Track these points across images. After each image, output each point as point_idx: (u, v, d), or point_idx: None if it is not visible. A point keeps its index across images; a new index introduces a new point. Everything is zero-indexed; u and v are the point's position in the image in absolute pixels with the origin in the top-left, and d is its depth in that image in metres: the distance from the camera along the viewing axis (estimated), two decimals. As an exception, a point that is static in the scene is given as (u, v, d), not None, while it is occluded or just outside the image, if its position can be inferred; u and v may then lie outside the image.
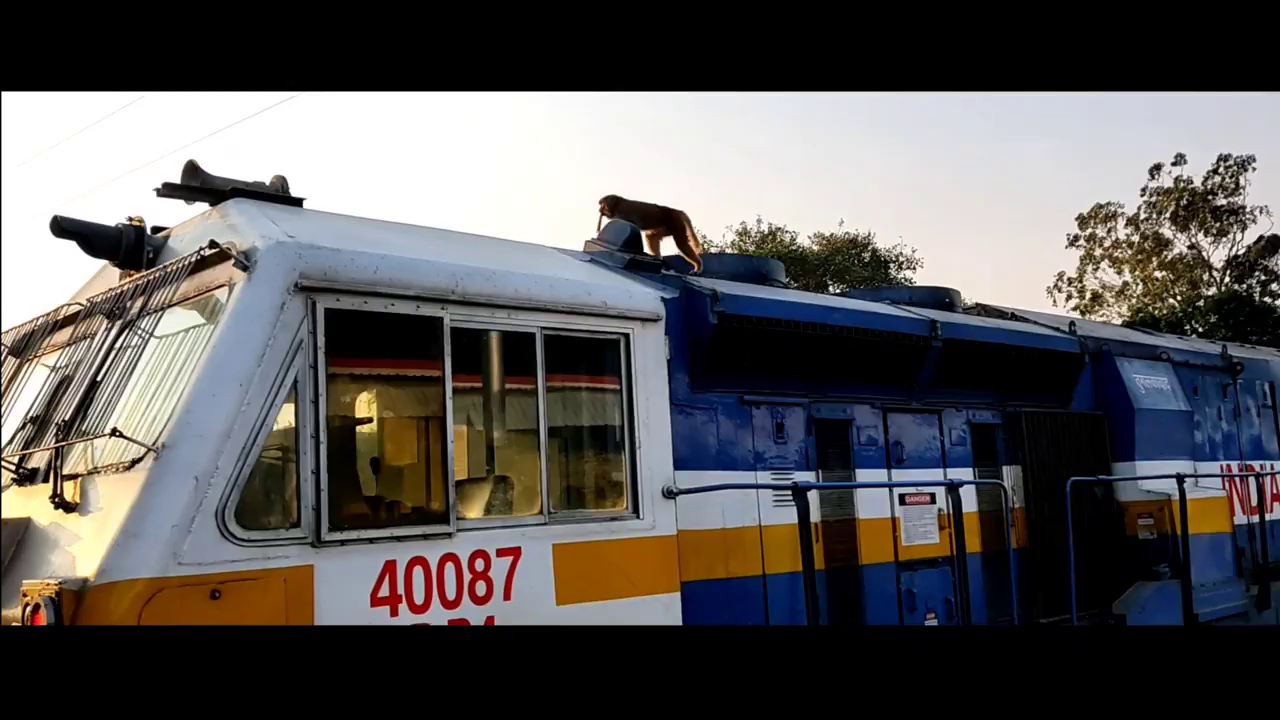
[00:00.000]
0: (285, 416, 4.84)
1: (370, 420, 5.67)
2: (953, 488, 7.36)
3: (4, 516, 4.95)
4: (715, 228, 42.27)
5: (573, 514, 5.79)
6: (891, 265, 34.17)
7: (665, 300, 6.44)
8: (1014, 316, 10.30)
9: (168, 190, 5.76)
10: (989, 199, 58.11)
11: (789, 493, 6.45)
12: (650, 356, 6.22)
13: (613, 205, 7.48)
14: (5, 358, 6.34)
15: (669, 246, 7.88)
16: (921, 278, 34.19)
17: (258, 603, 4.53)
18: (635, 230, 7.20)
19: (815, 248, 33.76)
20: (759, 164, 58.48)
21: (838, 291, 23.98)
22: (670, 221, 7.67)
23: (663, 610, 5.93)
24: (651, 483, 6.08)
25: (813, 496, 7.02)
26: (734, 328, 6.84)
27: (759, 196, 61.97)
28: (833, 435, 7.62)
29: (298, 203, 5.95)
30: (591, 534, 5.75)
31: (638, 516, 5.99)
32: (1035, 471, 8.98)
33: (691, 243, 7.76)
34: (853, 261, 33.14)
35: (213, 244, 4.98)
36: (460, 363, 5.38)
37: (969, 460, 8.58)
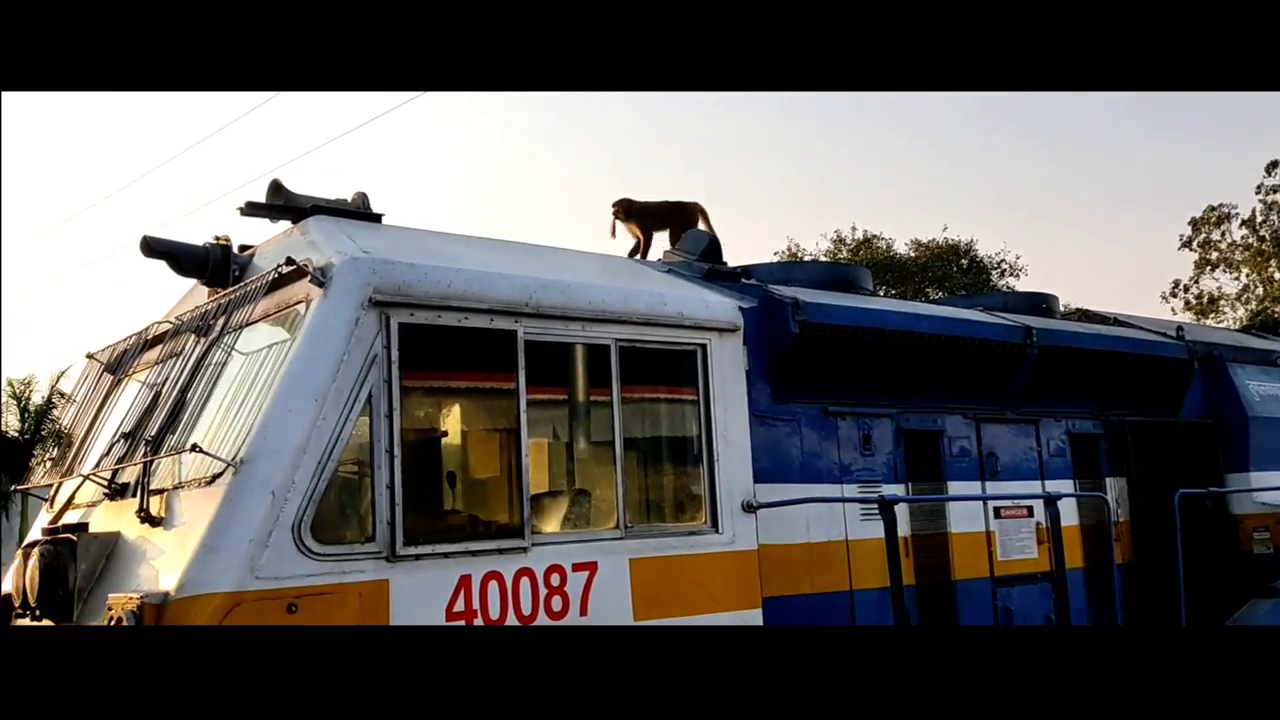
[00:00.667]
0: (360, 431, 4.86)
1: (445, 434, 5.68)
2: (1050, 500, 7.05)
3: (94, 530, 5.09)
4: (809, 236, 41.80)
5: (650, 528, 5.70)
6: (993, 272, 33.30)
7: (744, 309, 6.31)
8: (1117, 321, 9.87)
9: (251, 209, 5.87)
10: (1098, 203, 56.30)
11: (876, 506, 6.27)
12: (728, 367, 6.11)
13: (626, 209, 7.27)
14: (100, 375, 6.54)
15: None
16: (1026, 285, 33.25)
17: (333, 617, 4.54)
18: (714, 239, 7.09)
19: (913, 254, 33.12)
20: (858, 169, 57.75)
21: (935, 299, 23.44)
22: (685, 215, 7.41)
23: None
24: (731, 496, 5.95)
25: (901, 510, 6.80)
26: (817, 337, 6.68)
27: (858, 203, 61.19)
28: (922, 447, 7.39)
29: (377, 218, 6.01)
30: (669, 548, 5.65)
31: (716, 530, 5.87)
32: (1141, 483, 8.57)
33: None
34: (952, 268, 32.40)
35: (289, 261, 5.05)
36: (535, 376, 5.35)
37: (1069, 472, 8.23)
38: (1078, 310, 10.29)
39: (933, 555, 7.19)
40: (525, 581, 5.10)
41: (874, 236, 33.13)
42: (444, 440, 5.66)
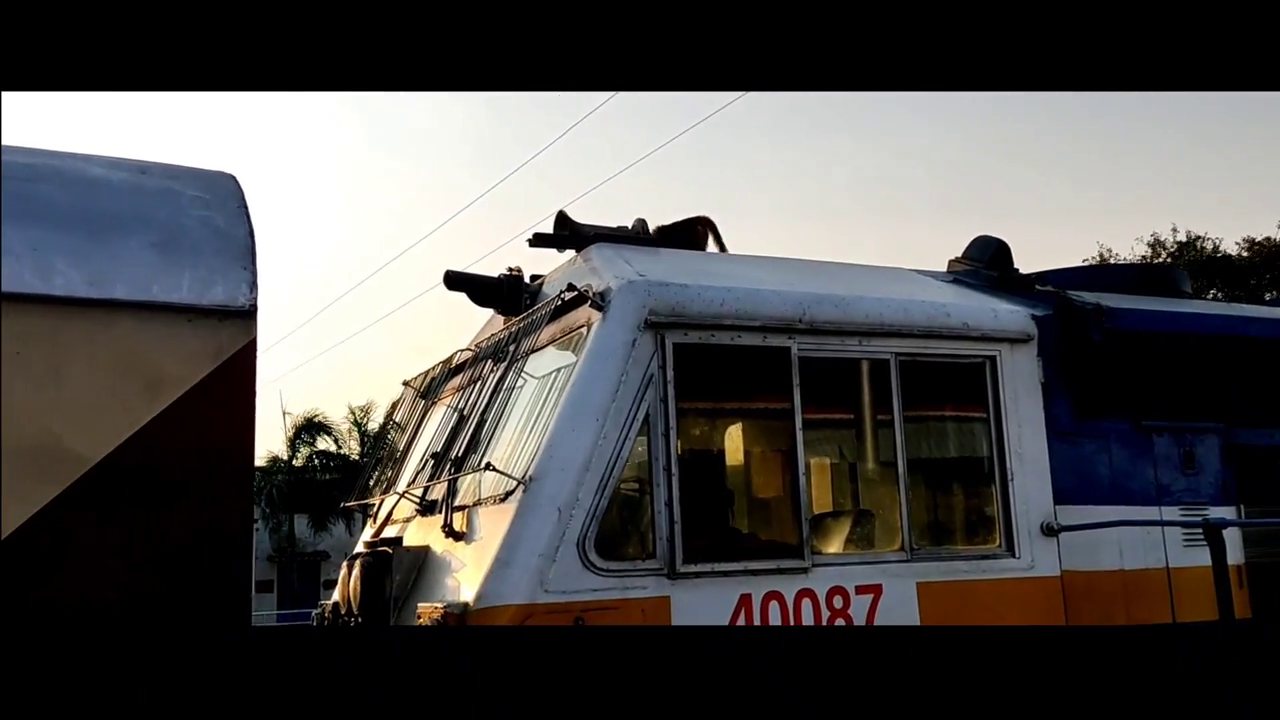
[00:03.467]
0: (639, 449, 4.96)
1: (721, 452, 5.69)
2: None
3: (407, 544, 5.51)
4: (1123, 241, 38.66)
5: (938, 551, 5.43)
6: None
7: (1037, 318, 5.91)
8: None
9: (538, 240, 6.19)
10: None
11: (1201, 531, 5.67)
12: (1021, 380, 5.73)
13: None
14: (415, 400, 7.11)
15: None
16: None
17: (618, 632, 4.64)
18: (1001, 245, 6.70)
19: (1245, 254, 29.90)
20: (1176, 167, 52.97)
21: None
22: (687, 232, 6.78)
23: (1047, 659, 5.38)
24: (1028, 518, 5.57)
25: (1233, 535, 6.10)
26: (1125, 345, 6.15)
27: (1177, 203, 56.11)
28: (1258, 465, 6.59)
29: (655, 243, 6.15)
30: (960, 573, 5.35)
31: (1013, 555, 5.50)
32: None
33: (715, 249, 6.84)
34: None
35: (571, 287, 5.26)
36: (810, 393, 5.26)
37: None
38: None
39: (1274, 586, 6.38)
40: (807, 603, 5.00)
41: (1197, 238, 30.24)
42: (721, 458, 5.68)
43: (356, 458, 34.04)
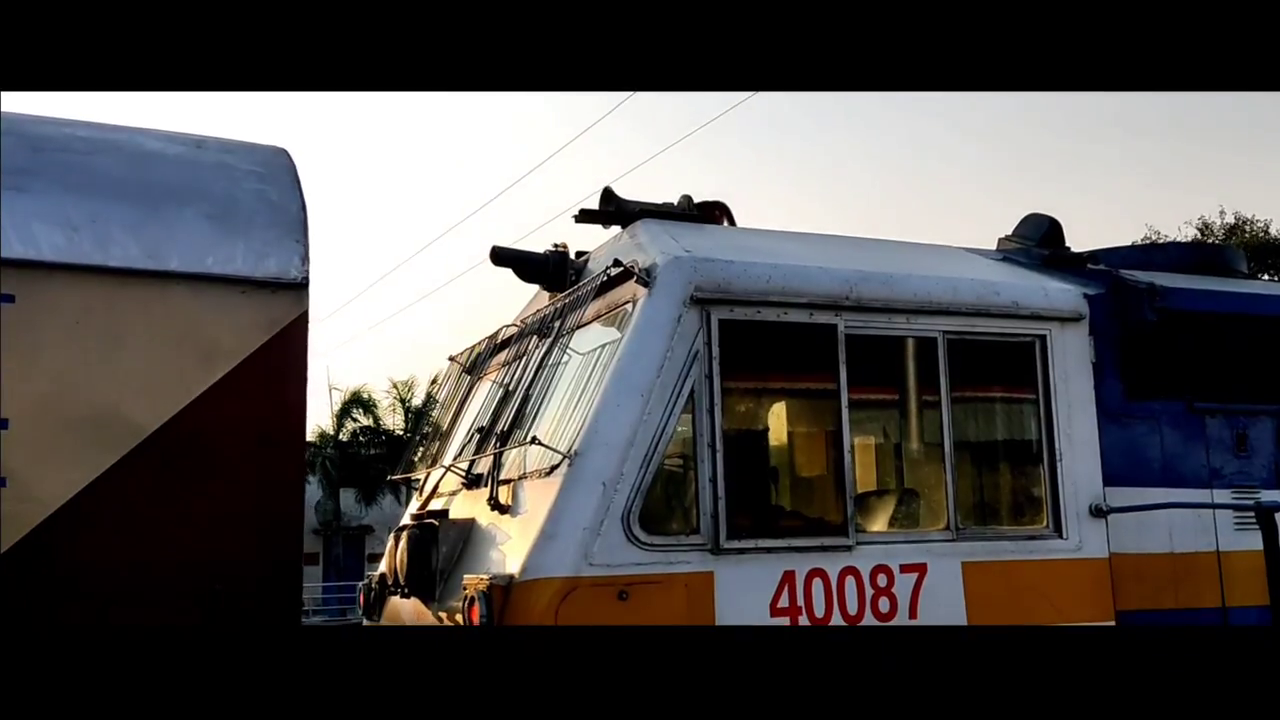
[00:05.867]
0: (684, 426, 4.97)
1: (765, 429, 5.69)
2: None
3: (454, 517, 5.57)
4: (1170, 224, 37.93)
5: (984, 530, 5.40)
6: None
7: (1089, 297, 5.83)
8: None
9: (584, 217, 6.19)
10: None
11: (1253, 514, 5.59)
12: (1071, 359, 5.67)
13: None
14: (460, 375, 7.16)
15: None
16: None
17: (661, 606, 4.67)
18: (1053, 223, 6.62)
19: (1300, 236, 29.21)
20: (1221, 149, 51.84)
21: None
22: (705, 217, 6.63)
23: (1093, 640, 5.34)
24: (1076, 499, 5.52)
25: (1284, 519, 6.01)
26: (1179, 325, 6.06)
27: (1225, 183, 54.97)
28: (1312, 448, 6.47)
29: (700, 219, 6.12)
30: (1006, 553, 5.32)
31: (1060, 536, 5.45)
32: None
33: None
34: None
35: (617, 263, 5.27)
36: (857, 371, 5.24)
37: None
38: None
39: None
40: (850, 581, 4.99)
41: (1246, 220, 29.62)
42: (765, 435, 5.68)
43: (400, 432, 34.41)
